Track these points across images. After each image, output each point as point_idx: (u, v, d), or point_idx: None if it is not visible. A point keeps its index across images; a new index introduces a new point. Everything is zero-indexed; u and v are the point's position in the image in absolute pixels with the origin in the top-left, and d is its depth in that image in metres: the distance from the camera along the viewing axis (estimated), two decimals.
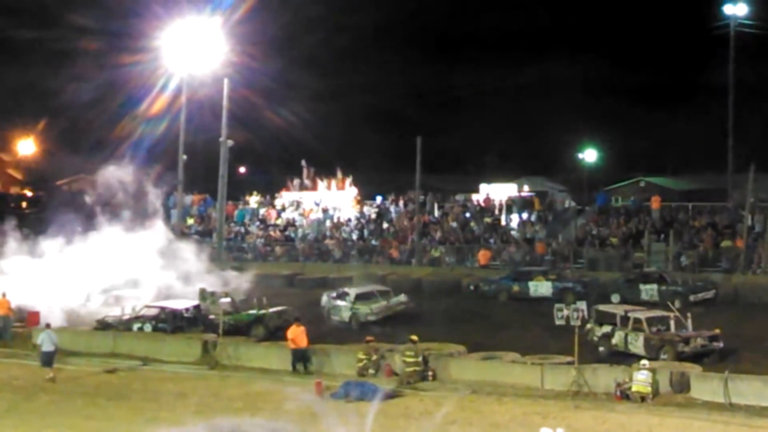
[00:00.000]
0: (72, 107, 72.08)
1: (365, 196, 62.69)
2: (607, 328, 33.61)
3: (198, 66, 53.63)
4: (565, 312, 30.61)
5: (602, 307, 35.34)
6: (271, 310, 38.61)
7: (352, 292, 41.22)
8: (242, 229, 60.91)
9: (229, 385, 30.86)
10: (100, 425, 27.02)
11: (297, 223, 60.52)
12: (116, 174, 48.66)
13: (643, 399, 27.43)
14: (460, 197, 62.13)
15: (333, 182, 62.56)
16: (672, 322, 32.67)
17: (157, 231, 45.33)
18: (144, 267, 42.22)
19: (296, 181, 63.62)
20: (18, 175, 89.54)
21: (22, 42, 76.18)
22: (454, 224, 55.83)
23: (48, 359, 31.87)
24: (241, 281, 43.53)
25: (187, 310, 38.85)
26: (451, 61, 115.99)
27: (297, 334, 32.48)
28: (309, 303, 41.54)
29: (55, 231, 44.10)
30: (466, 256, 52.88)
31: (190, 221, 61.77)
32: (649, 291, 42.58)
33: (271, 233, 59.82)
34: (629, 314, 33.46)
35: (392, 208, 59.88)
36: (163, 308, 38.80)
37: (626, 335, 32.91)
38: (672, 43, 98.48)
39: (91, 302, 41.40)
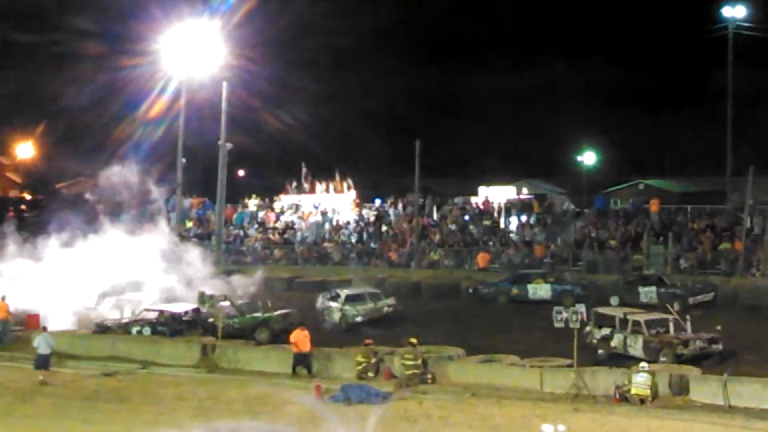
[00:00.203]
0: (71, 110, 72.16)
1: (364, 199, 62.72)
2: (606, 331, 33.60)
3: (197, 69, 53.68)
4: (564, 315, 30.59)
5: (601, 310, 35.34)
6: (276, 312, 38.71)
7: (343, 293, 41.70)
8: (241, 233, 60.90)
9: (229, 389, 30.82)
10: (99, 428, 26.99)
11: (296, 226, 60.52)
12: (118, 175, 48.68)
13: (642, 401, 27.43)
14: (458, 200, 62.08)
15: (332, 185, 62.61)
16: (671, 325, 32.65)
17: (160, 233, 45.40)
18: (148, 270, 42.21)
19: (295, 184, 63.68)
20: (17, 179, 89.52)
21: (21, 45, 76.06)
22: (453, 227, 55.83)
23: (44, 362, 31.83)
24: (248, 285, 43.47)
25: (186, 313, 38.84)
26: (450, 64, 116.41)
27: (300, 338, 32.45)
28: (308, 306, 41.49)
29: (55, 234, 44.05)
30: (465, 259, 52.88)
31: (189, 224, 61.78)
32: (648, 293, 42.61)
33: (270, 236, 59.82)
34: (628, 317, 33.45)
35: (391, 211, 59.88)
36: (162, 311, 38.78)
37: (625, 338, 32.92)
38: (671, 45, 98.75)
39: (101, 306, 41.29)
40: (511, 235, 54.73)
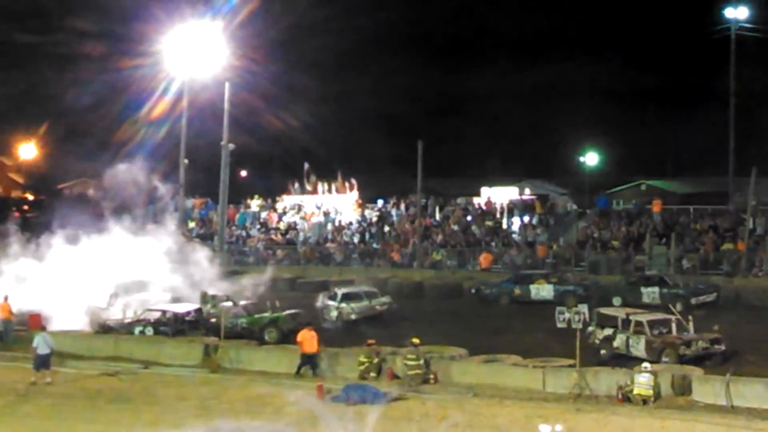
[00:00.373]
0: (73, 111, 72.32)
1: (366, 200, 62.79)
2: (608, 331, 33.57)
3: (199, 70, 53.67)
4: (567, 315, 30.54)
5: (604, 310, 35.31)
6: (285, 312, 38.80)
7: (340, 292, 42.23)
8: (243, 233, 60.98)
9: (230, 388, 30.80)
10: (101, 428, 26.97)
11: (298, 227, 60.59)
12: (123, 174, 48.72)
13: (644, 402, 27.39)
14: (461, 200, 62.16)
15: (334, 186, 62.66)
16: (673, 325, 32.61)
17: (167, 233, 45.47)
18: (158, 270, 42.22)
19: (297, 185, 63.72)
20: (20, 179, 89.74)
21: (23, 46, 76.15)
22: (456, 227, 55.87)
23: (43, 362, 31.81)
24: (256, 285, 43.44)
25: (188, 313, 38.85)
26: (452, 65, 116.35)
27: (306, 338, 32.41)
28: (309, 306, 41.52)
29: (59, 234, 44.05)
30: (467, 260, 52.94)
31: (192, 225, 61.82)
32: (650, 294, 42.62)
33: (273, 237, 59.86)
34: (631, 317, 33.42)
35: (393, 212, 59.93)
36: (164, 311, 38.79)
37: (628, 338, 32.88)
38: (674, 46, 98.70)
39: (114, 306, 41.23)
40: (514, 235, 54.77)
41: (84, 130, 75.29)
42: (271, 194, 65.53)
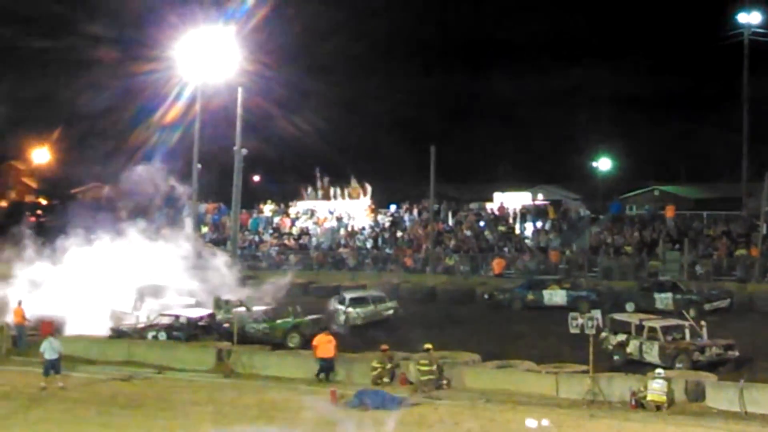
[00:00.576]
0: (87, 116, 72.49)
1: (379, 205, 62.81)
2: (621, 337, 33.54)
3: (212, 75, 53.70)
4: (580, 321, 30.45)
5: (617, 316, 35.26)
6: (307, 318, 38.93)
7: (348, 296, 42.89)
8: (256, 238, 61.03)
9: (244, 394, 30.80)
10: None
11: (311, 232, 60.64)
12: (139, 177, 48.90)
13: (658, 408, 27.34)
14: (474, 206, 62.20)
15: (347, 191, 62.70)
16: (687, 331, 32.57)
17: (185, 237, 45.62)
18: (178, 274, 42.31)
19: (310, 190, 63.78)
20: (33, 184, 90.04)
21: (36, 51, 76.46)
22: (469, 233, 55.84)
23: (52, 366, 31.85)
24: (276, 291, 43.48)
25: (201, 318, 38.89)
26: (465, 70, 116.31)
27: (322, 343, 32.42)
28: (322, 311, 41.55)
29: (75, 238, 44.09)
30: (480, 265, 52.92)
31: (205, 230, 61.91)
32: (663, 300, 42.54)
33: (285, 242, 59.92)
34: (644, 323, 33.37)
35: (406, 217, 59.95)
36: (177, 316, 38.82)
37: (641, 344, 32.84)
38: (687, 52, 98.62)
39: (140, 311, 41.19)
40: (527, 240, 54.73)
41: (97, 135, 75.44)
42: (284, 199, 65.62)
